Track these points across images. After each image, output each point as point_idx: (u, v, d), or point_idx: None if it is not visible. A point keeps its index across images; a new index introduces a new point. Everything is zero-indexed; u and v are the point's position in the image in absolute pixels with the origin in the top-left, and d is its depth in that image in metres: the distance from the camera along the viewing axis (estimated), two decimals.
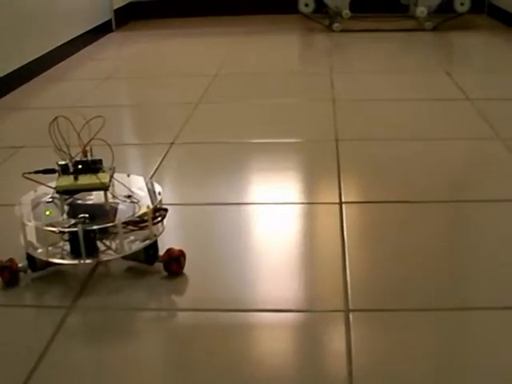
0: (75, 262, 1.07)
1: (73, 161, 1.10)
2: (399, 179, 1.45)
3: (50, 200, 1.12)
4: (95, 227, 1.06)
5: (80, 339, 0.96)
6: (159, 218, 1.11)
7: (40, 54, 2.58)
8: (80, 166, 1.09)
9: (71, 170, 1.09)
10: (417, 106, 1.99)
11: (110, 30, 3.49)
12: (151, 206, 1.10)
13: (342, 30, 3.20)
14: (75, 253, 1.07)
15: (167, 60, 2.81)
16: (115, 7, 3.54)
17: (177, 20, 3.74)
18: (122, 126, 1.94)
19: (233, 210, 1.34)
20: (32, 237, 1.10)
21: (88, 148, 1.10)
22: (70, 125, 1.10)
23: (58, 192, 1.09)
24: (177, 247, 1.10)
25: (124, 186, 1.16)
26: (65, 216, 1.08)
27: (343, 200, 1.36)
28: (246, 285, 1.08)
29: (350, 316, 0.97)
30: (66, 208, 1.10)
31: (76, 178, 1.08)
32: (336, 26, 3.21)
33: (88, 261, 1.07)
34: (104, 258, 1.08)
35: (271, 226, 1.27)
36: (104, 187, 1.08)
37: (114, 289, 1.07)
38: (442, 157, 1.57)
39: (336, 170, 1.51)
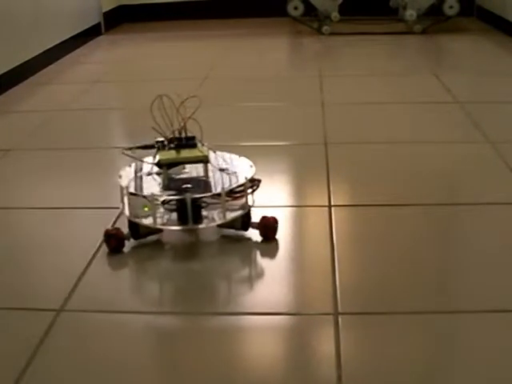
0: (183, 227, 1.17)
1: (169, 137, 1.20)
2: (388, 182, 1.45)
3: (150, 174, 1.20)
4: (201, 195, 1.13)
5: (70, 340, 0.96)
6: (255, 187, 1.21)
7: (28, 58, 2.57)
8: (176, 143, 1.19)
9: (170, 145, 1.19)
10: (406, 109, 1.99)
11: (100, 33, 3.48)
12: (247, 178, 1.18)
13: (332, 33, 3.21)
14: (181, 220, 1.16)
15: (157, 63, 2.80)
16: (104, 10, 3.54)
17: (166, 23, 3.74)
18: (112, 129, 1.93)
19: None
20: (134, 207, 1.18)
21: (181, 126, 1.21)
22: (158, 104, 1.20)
23: (161, 165, 1.17)
24: None
25: (222, 158, 1.27)
26: (163, 189, 1.16)
27: (332, 203, 1.36)
28: (235, 288, 1.07)
29: (340, 319, 0.97)
30: (165, 182, 1.17)
31: (178, 152, 1.18)
32: (325, 28, 3.22)
33: (194, 226, 1.17)
34: (208, 224, 1.17)
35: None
36: (206, 159, 1.19)
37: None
38: (430, 160, 1.57)
39: (325, 173, 1.51)
